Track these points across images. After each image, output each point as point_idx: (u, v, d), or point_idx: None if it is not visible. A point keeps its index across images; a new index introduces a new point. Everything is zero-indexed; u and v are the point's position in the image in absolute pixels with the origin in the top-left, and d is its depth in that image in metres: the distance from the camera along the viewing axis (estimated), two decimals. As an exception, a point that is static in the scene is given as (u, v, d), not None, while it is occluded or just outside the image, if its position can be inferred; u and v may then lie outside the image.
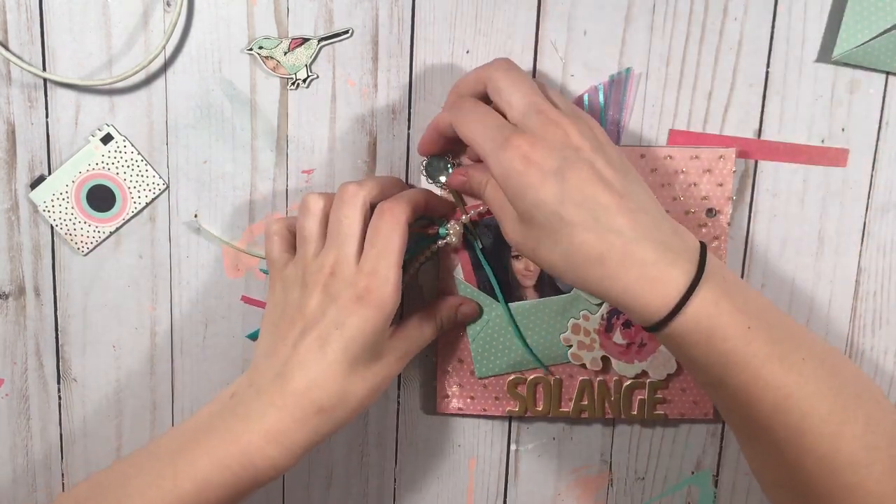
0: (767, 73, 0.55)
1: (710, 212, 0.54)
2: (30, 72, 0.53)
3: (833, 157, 0.56)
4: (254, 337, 0.57)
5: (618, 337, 0.55)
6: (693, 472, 0.60)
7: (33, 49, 0.53)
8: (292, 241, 0.51)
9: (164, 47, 0.53)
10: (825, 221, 0.57)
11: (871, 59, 0.54)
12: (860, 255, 0.57)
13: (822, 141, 0.56)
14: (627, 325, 0.55)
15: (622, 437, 0.60)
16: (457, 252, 0.54)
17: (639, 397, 0.57)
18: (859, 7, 0.52)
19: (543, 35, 0.54)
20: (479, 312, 0.55)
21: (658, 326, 0.43)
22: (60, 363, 0.58)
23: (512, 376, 0.57)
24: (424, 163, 0.54)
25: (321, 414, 0.46)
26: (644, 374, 0.56)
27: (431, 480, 0.61)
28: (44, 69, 0.53)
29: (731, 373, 0.43)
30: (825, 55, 0.54)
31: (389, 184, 0.51)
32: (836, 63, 0.54)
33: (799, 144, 0.56)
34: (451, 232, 0.53)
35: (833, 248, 0.57)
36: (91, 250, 0.56)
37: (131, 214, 0.56)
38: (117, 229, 0.56)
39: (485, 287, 0.55)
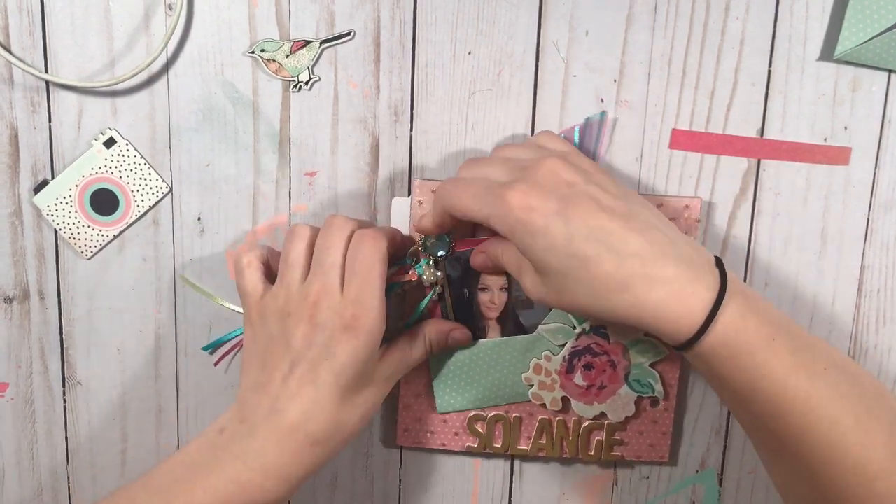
0: (770, 71, 0.55)
1: None
2: (32, 74, 0.53)
3: (836, 155, 0.56)
4: (207, 349, 0.57)
5: (578, 378, 0.56)
6: (697, 471, 0.60)
7: (35, 52, 0.53)
8: (266, 272, 0.51)
9: (164, 48, 0.53)
10: (828, 220, 0.57)
11: (873, 58, 0.53)
12: (863, 253, 0.57)
13: (825, 139, 0.56)
14: (588, 367, 0.55)
15: (626, 436, 0.60)
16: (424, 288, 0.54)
17: (596, 438, 0.57)
18: (861, 5, 0.52)
19: (545, 35, 0.54)
20: (471, 339, 0.55)
21: (688, 345, 0.42)
22: (65, 367, 0.58)
23: (472, 413, 0.57)
24: (422, 239, 0.53)
25: (317, 446, 0.46)
26: (603, 415, 0.57)
27: (436, 482, 0.61)
28: (46, 72, 0.53)
29: (759, 386, 0.42)
30: (827, 53, 0.54)
31: (372, 224, 0.52)
32: (839, 61, 0.54)
33: (801, 143, 0.56)
34: (427, 274, 0.53)
35: (836, 247, 0.57)
36: (95, 254, 0.56)
37: (135, 218, 0.56)
38: (121, 233, 0.56)
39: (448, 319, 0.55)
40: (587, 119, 0.53)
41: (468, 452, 0.58)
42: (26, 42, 0.53)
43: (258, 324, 0.49)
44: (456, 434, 0.58)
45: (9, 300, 0.57)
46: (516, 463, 0.60)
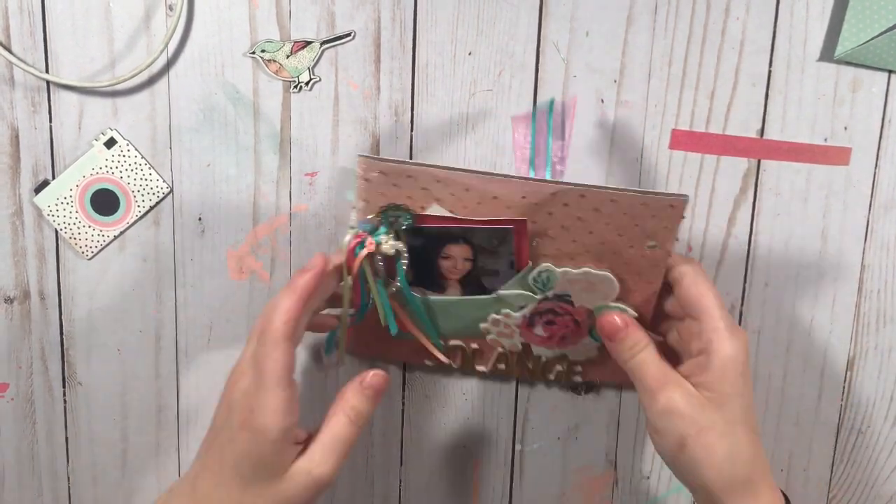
0: (770, 72, 0.55)
1: (653, 245, 0.50)
2: (32, 74, 0.53)
3: (836, 155, 0.56)
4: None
5: (539, 330, 0.54)
6: (698, 471, 0.60)
7: (36, 52, 0.53)
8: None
9: (165, 48, 0.53)
10: (828, 220, 0.57)
11: (873, 58, 0.54)
12: (863, 253, 0.57)
13: (825, 140, 0.56)
14: (550, 322, 0.54)
15: (627, 436, 0.60)
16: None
17: (557, 368, 0.57)
18: (861, 6, 0.52)
19: (545, 36, 0.54)
20: (387, 379, 0.50)
21: None
22: (65, 367, 0.58)
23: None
24: (384, 213, 0.50)
25: None
26: (564, 356, 0.56)
27: (437, 481, 0.61)
28: (46, 72, 0.53)
29: None
30: (827, 54, 0.54)
31: (307, 289, 0.47)
32: (839, 62, 0.54)
33: (801, 143, 0.56)
34: (386, 245, 0.50)
35: (836, 247, 0.57)
36: (95, 254, 0.56)
37: (135, 218, 0.56)
38: (121, 233, 0.56)
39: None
40: (535, 111, 0.52)
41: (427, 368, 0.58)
42: (27, 42, 0.53)
43: None
44: (416, 351, 0.56)
45: (9, 300, 0.57)
46: (516, 463, 0.60)
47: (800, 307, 0.58)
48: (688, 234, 0.57)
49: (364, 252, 0.49)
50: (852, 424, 0.60)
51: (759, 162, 0.56)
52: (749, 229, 0.57)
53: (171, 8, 0.53)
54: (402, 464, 0.61)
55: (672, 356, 0.49)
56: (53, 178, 0.55)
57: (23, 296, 0.57)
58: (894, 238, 0.57)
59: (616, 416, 0.60)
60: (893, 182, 0.56)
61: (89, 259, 0.56)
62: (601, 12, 0.54)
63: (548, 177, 0.55)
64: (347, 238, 0.49)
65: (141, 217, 0.56)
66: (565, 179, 0.55)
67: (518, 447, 0.60)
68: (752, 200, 0.56)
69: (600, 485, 0.61)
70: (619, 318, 0.48)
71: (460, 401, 0.60)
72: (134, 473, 0.60)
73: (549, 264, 0.51)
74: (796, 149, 0.56)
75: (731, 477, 0.45)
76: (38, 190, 0.55)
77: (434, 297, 0.54)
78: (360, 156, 0.49)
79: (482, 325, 0.55)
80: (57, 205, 0.55)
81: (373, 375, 0.48)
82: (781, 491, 0.47)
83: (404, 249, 0.50)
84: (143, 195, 0.55)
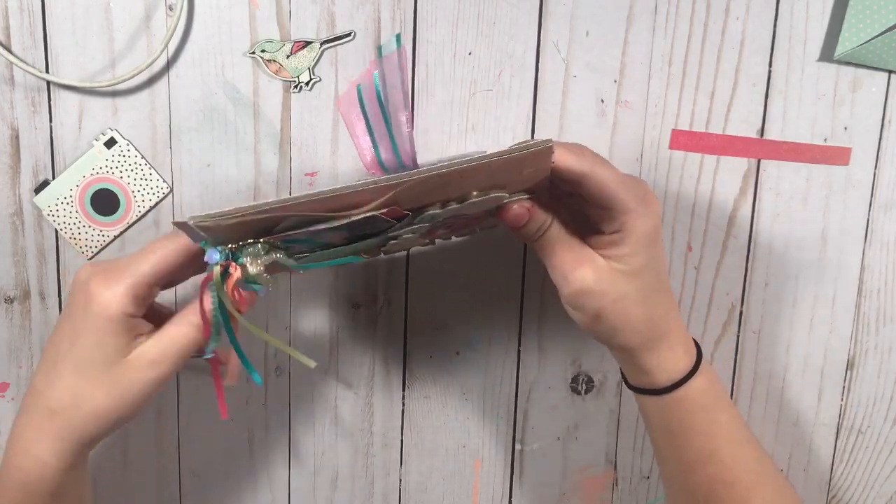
0: (770, 72, 0.55)
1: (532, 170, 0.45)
2: (32, 74, 0.53)
3: (836, 155, 0.56)
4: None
5: (440, 232, 0.51)
6: (698, 471, 0.60)
7: (36, 52, 0.53)
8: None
9: (165, 48, 0.53)
10: (828, 220, 0.57)
11: (873, 58, 0.54)
12: (863, 253, 0.57)
13: (825, 140, 0.56)
14: (450, 226, 0.50)
15: (627, 436, 0.60)
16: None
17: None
18: (861, 6, 0.52)
19: (545, 36, 0.54)
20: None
21: (675, 387, 0.48)
22: (66, 367, 0.58)
23: None
24: (237, 248, 0.43)
25: (54, 417, 0.46)
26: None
27: (437, 481, 0.61)
28: (46, 72, 0.53)
29: (722, 445, 0.49)
30: (827, 54, 0.54)
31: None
32: (839, 62, 0.54)
33: (801, 143, 0.56)
34: (253, 267, 0.43)
35: (836, 247, 0.57)
36: (95, 254, 0.56)
37: (135, 218, 0.56)
38: (121, 233, 0.56)
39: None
40: (381, 54, 0.45)
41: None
42: (27, 42, 0.53)
43: None
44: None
45: (9, 300, 0.57)
46: (516, 463, 0.60)
47: (800, 307, 0.58)
48: (688, 234, 0.57)
49: (231, 280, 0.43)
50: (852, 424, 0.60)
51: (759, 162, 0.56)
52: (749, 229, 0.57)
53: (171, 8, 0.53)
54: (402, 464, 0.61)
55: (578, 223, 0.48)
56: (53, 178, 0.55)
57: (23, 296, 0.57)
58: (894, 238, 0.57)
59: (616, 416, 0.60)
60: (893, 182, 0.56)
61: (89, 259, 0.56)
62: (601, 12, 0.54)
63: (397, 155, 0.48)
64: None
65: (141, 217, 0.56)
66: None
67: (518, 447, 0.60)
68: (752, 200, 0.56)
69: (600, 485, 0.61)
70: (518, 207, 0.46)
71: (460, 401, 0.60)
72: (134, 473, 0.60)
73: (431, 211, 0.45)
74: (796, 149, 0.56)
75: (648, 335, 0.47)
76: (38, 190, 0.55)
77: (319, 253, 0.46)
78: (187, 222, 0.40)
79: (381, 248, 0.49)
80: (57, 205, 0.55)
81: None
82: (694, 340, 0.50)
83: (267, 280, 0.44)
84: (143, 195, 0.55)
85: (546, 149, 0.42)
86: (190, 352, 0.46)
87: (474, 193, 0.44)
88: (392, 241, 0.47)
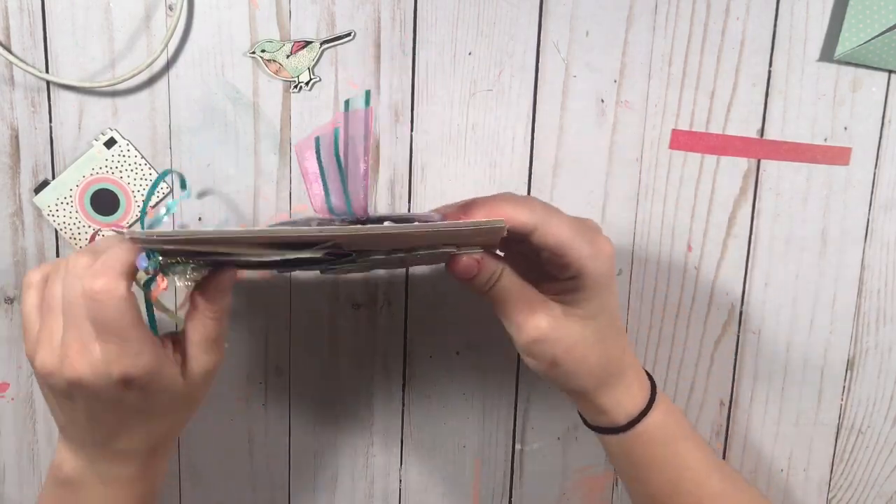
0: (770, 72, 0.55)
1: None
2: (32, 74, 0.53)
3: (836, 155, 0.56)
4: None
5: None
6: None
7: (36, 52, 0.53)
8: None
9: (165, 48, 0.53)
10: (828, 220, 0.57)
11: (873, 58, 0.54)
12: (864, 253, 0.57)
13: (825, 140, 0.56)
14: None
15: (627, 436, 0.60)
16: None
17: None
18: (861, 6, 0.52)
19: (545, 36, 0.54)
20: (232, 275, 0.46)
21: (632, 424, 0.48)
22: (66, 367, 0.58)
23: None
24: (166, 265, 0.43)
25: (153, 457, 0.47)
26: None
27: (437, 481, 0.61)
28: (46, 72, 0.53)
29: (684, 475, 0.49)
30: (827, 54, 0.54)
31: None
32: (839, 62, 0.54)
33: (802, 143, 0.56)
34: (184, 277, 0.44)
35: (836, 247, 0.57)
36: (95, 254, 0.56)
37: (135, 218, 0.56)
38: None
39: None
40: (348, 107, 0.43)
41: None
42: (27, 42, 0.53)
43: None
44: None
45: (9, 300, 0.57)
46: (516, 463, 0.60)
47: (799, 306, 0.58)
48: (688, 234, 0.57)
49: (155, 291, 0.44)
50: (852, 424, 0.60)
51: (759, 162, 0.56)
52: (749, 229, 0.57)
53: (171, 8, 0.53)
54: (402, 464, 0.61)
55: (529, 270, 0.47)
56: (53, 178, 0.55)
57: (23, 296, 0.57)
58: (894, 238, 0.57)
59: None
60: (893, 182, 0.56)
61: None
62: (601, 12, 0.54)
63: (348, 203, 0.44)
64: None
65: (141, 217, 0.56)
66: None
67: (518, 447, 0.60)
68: (752, 200, 0.56)
69: (600, 485, 0.61)
70: (467, 259, 0.45)
71: (460, 401, 0.60)
72: (134, 473, 0.60)
73: (375, 256, 0.45)
74: (796, 149, 0.56)
75: (604, 376, 0.47)
76: (38, 190, 0.55)
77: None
78: (130, 237, 0.40)
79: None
80: (57, 205, 0.55)
81: (220, 275, 0.45)
82: (646, 371, 0.50)
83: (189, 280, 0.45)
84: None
85: (499, 228, 0.42)
86: (220, 334, 0.46)
87: (421, 250, 0.44)
88: (330, 270, 0.47)
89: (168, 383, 0.44)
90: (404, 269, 0.57)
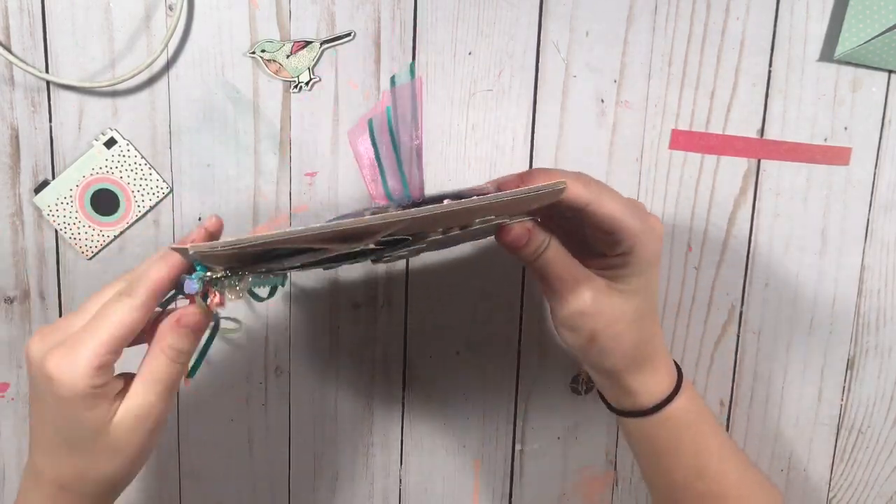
0: (770, 72, 0.55)
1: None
2: (32, 74, 0.53)
3: (836, 155, 0.56)
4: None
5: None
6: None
7: (36, 52, 0.53)
8: None
9: (165, 48, 0.53)
10: (828, 220, 0.57)
11: (873, 58, 0.54)
12: (863, 253, 0.57)
13: (825, 140, 0.56)
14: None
15: (627, 436, 0.60)
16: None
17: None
18: (861, 6, 0.52)
19: (545, 36, 0.54)
20: (202, 316, 0.43)
21: (660, 406, 0.49)
22: (66, 367, 0.58)
23: None
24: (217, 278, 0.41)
25: (65, 491, 0.45)
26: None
27: (437, 481, 0.61)
28: (46, 72, 0.53)
29: (706, 459, 0.49)
30: (827, 54, 0.54)
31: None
32: (839, 62, 0.54)
33: (802, 143, 0.56)
34: (233, 293, 0.42)
35: (836, 247, 0.57)
36: (95, 254, 0.56)
37: (135, 218, 0.56)
38: (121, 233, 0.56)
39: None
40: (394, 83, 0.42)
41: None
42: (27, 42, 0.53)
43: None
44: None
45: (9, 300, 0.57)
46: (516, 463, 0.60)
47: (799, 306, 0.58)
48: (688, 234, 0.57)
49: (211, 303, 0.42)
50: (852, 424, 0.60)
51: (759, 162, 0.56)
52: (749, 229, 0.57)
53: (171, 8, 0.53)
54: (401, 464, 0.61)
55: (574, 244, 0.47)
56: (53, 178, 0.55)
57: (23, 295, 0.57)
58: (894, 238, 0.57)
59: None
60: (893, 182, 0.56)
61: (89, 259, 0.56)
62: (601, 12, 0.54)
63: (405, 185, 0.45)
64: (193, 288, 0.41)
65: (141, 217, 0.56)
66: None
67: (518, 447, 0.60)
68: (752, 200, 0.56)
69: (600, 485, 0.61)
70: (518, 228, 0.45)
71: (460, 401, 0.60)
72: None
73: (432, 237, 0.44)
74: (796, 149, 0.56)
75: (636, 357, 0.48)
76: (38, 190, 0.55)
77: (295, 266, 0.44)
78: (191, 251, 0.38)
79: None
80: (57, 205, 0.55)
81: (190, 314, 0.43)
82: (674, 361, 0.50)
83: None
84: (143, 195, 0.55)
85: (558, 190, 0.43)
86: (175, 384, 0.43)
87: (477, 221, 0.44)
88: (385, 258, 0.47)
89: (85, 406, 0.41)
90: (404, 269, 0.57)
